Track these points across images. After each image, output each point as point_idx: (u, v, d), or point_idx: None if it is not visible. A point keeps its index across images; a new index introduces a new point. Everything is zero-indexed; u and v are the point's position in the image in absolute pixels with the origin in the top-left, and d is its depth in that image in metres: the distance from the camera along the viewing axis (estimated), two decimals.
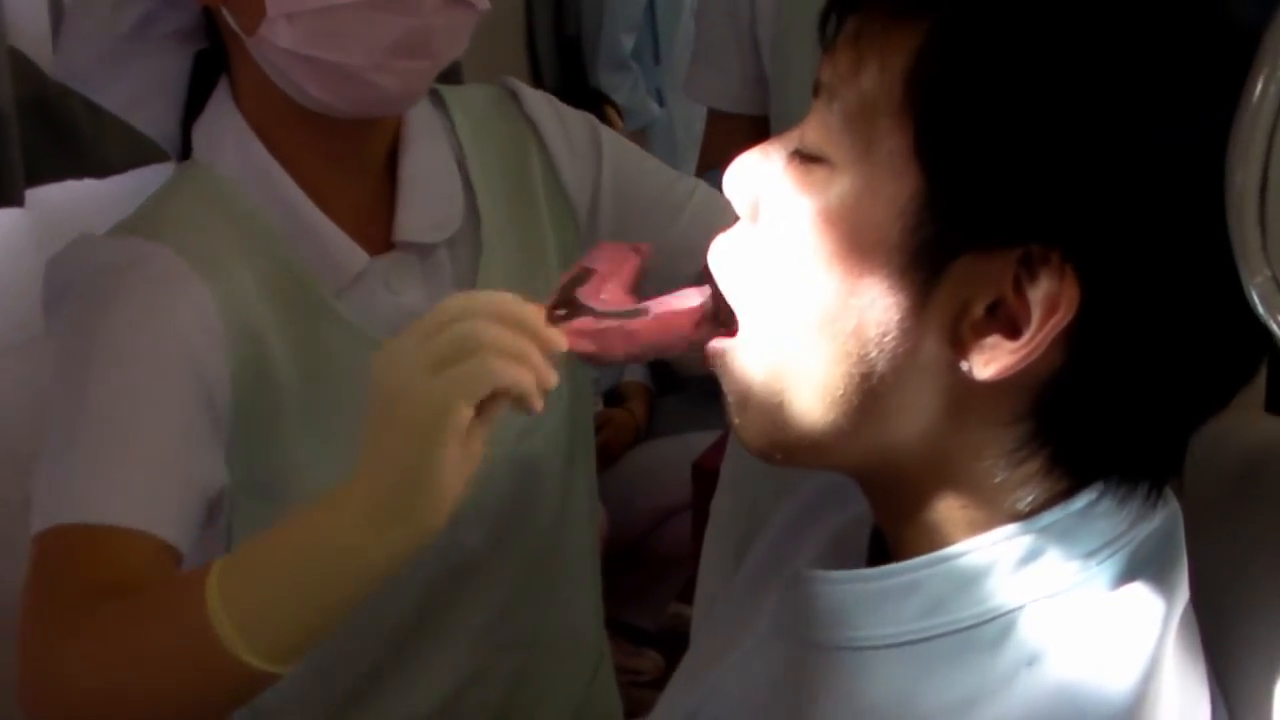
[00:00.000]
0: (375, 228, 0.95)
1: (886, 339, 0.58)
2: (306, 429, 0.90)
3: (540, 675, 1.09)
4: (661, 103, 3.17)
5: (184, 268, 0.87)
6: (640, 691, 2.65)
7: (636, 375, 2.89)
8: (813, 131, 0.61)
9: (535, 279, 0.98)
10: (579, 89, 2.99)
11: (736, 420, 0.65)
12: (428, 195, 0.96)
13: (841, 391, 0.60)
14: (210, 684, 0.72)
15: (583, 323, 0.70)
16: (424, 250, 0.96)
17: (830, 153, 0.60)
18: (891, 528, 0.66)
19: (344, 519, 0.68)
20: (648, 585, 2.66)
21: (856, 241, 0.58)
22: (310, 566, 0.69)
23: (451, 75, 1.05)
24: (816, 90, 0.62)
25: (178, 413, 0.85)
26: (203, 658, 0.70)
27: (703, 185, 1.07)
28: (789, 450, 0.63)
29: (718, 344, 0.66)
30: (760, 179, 0.64)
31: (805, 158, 0.61)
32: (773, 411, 0.63)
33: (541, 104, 1.05)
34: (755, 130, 1.39)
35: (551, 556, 1.07)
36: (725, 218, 0.66)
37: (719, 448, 2.26)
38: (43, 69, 1.86)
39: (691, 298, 0.70)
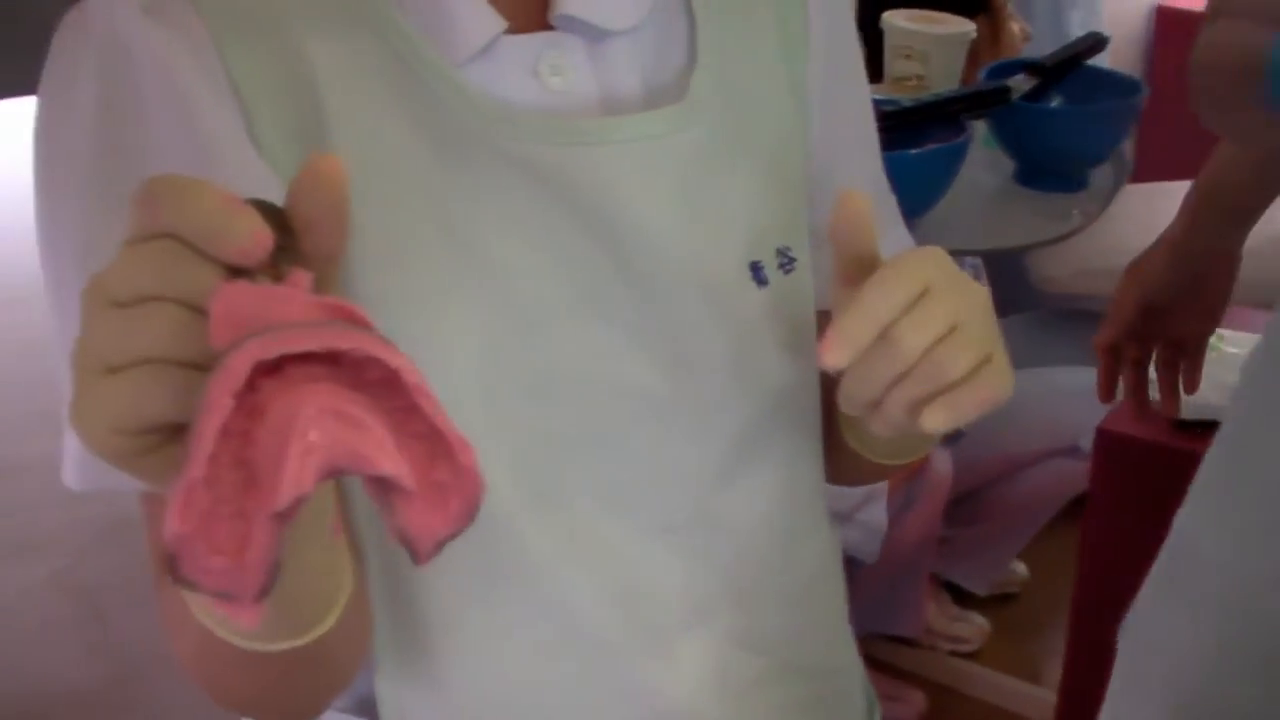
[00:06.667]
0: (528, 5, 0.74)
1: None
2: (442, 240, 0.71)
3: None
4: None
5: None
6: (961, 662, 2.40)
7: None
8: None
9: (756, 106, 0.78)
10: None
11: None
12: None
13: None
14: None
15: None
16: (593, 35, 0.75)
17: None
18: None
19: None
20: (984, 542, 2.42)
21: None
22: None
23: None
24: None
25: None
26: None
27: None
28: None
29: None
30: None
31: None
32: None
33: None
34: None
35: None
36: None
37: (1127, 413, 1.80)
38: None
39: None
